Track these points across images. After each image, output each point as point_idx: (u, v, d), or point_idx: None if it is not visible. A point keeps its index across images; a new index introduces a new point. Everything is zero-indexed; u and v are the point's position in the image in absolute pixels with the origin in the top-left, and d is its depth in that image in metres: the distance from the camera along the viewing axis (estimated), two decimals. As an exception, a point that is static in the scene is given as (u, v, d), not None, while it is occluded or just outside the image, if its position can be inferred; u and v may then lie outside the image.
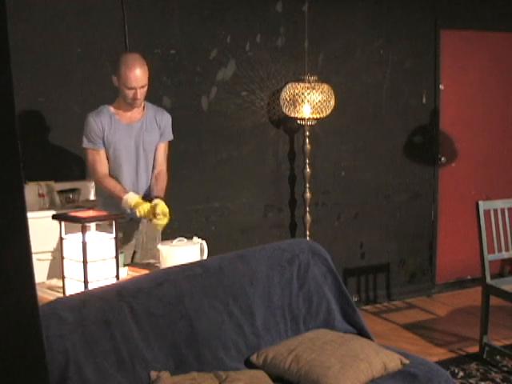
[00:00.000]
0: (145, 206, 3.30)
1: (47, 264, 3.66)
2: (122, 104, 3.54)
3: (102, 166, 3.50)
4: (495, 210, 4.28)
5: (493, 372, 3.99)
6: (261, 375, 2.54)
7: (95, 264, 2.70)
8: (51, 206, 4.07)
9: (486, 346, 4.16)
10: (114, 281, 2.76)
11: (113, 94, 4.31)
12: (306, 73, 4.84)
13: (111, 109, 3.55)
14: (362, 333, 3.04)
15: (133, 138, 3.53)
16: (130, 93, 3.45)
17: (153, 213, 3.28)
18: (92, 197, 4.23)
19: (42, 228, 3.53)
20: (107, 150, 3.49)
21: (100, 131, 3.47)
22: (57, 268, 3.54)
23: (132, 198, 3.35)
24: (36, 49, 4.08)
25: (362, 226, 5.35)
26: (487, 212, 4.21)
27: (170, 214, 3.33)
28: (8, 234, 1.04)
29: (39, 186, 4.03)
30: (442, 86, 5.59)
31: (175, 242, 3.12)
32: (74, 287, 2.72)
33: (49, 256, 3.67)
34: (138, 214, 3.31)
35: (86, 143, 3.51)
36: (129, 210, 3.36)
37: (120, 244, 3.08)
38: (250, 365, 2.68)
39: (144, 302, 2.49)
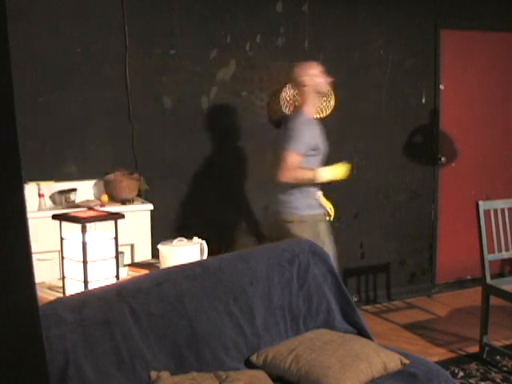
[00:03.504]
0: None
1: (47, 264, 3.65)
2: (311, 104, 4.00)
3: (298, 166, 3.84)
4: (495, 210, 4.28)
5: (493, 372, 3.99)
6: (261, 375, 2.54)
7: (95, 264, 2.70)
8: (51, 206, 4.07)
9: (486, 346, 4.16)
10: (114, 281, 2.76)
11: (112, 94, 4.33)
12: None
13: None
14: (362, 333, 3.05)
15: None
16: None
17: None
18: (92, 197, 4.24)
19: (42, 228, 3.53)
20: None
21: (312, 138, 3.87)
22: (57, 268, 3.55)
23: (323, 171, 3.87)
24: (36, 49, 4.08)
25: (361, 226, 5.35)
26: (487, 212, 4.21)
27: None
28: (8, 234, 1.04)
29: (39, 186, 4.03)
30: (441, 86, 5.59)
31: (175, 242, 3.12)
32: (74, 287, 2.72)
33: (49, 256, 3.67)
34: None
35: (297, 148, 3.79)
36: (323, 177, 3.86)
37: None
38: (250, 365, 2.68)
39: (144, 302, 2.49)
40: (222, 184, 4.76)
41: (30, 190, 3.94)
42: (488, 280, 4.10)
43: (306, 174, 3.85)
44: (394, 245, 5.52)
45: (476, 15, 5.65)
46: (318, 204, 3.95)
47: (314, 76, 3.97)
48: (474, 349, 4.27)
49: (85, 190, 4.23)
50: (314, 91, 3.98)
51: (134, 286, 2.55)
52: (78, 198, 4.13)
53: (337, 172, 3.92)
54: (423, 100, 5.51)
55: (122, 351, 2.34)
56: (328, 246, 3.86)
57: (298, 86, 4.01)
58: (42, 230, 3.54)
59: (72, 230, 2.75)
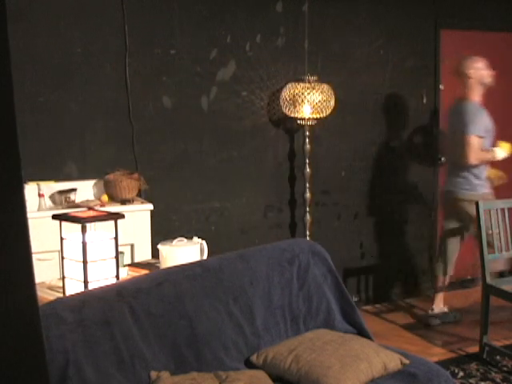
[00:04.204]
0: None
1: (47, 264, 3.65)
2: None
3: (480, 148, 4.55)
4: (495, 210, 4.29)
5: (493, 372, 3.99)
6: (261, 375, 2.54)
7: (95, 264, 2.70)
8: (51, 206, 4.07)
9: (486, 346, 4.16)
10: (114, 281, 2.76)
11: (112, 94, 4.33)
12: (305, 73, 4.84)
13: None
14: (361, 333, 3.05)
15: None
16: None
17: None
18: (92, 197, 4.24)
19: (42, 228, 3.53)
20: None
21: (486, 121, 4.56)
22: (57, 268, 3.55)
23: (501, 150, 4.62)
24: (36, 49, 4.08)
25: (361, 226, 5.35)
26: (487, 212, 4.21)
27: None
28: (8, 234, 1.04)
29: (39, 186, 4.03)
30: (441, 86, 5.58)
31: (175, 242, 3.12)
32: (74, 287, 2.72)
33: (49, 256, 3.67)
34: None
35: (476, 131, 4.46)
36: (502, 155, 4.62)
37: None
38: (250, 365, 2.68)
39: (144, 302, 2.49)
40: (221, 184, 4.76)
41: (30, 190, 3.94)
42: (488, 280, 4.10)
43: (488, 155, 4.56)
44: (394, 245, 5.52)
45: (476, 15, 5.65)
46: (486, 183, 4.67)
47: (480, 69, 4.59)
48: (474, 349, 4.27)
49: (85, 189, 4.23)
50: (478, 82, 4.61)
51: (134, 286, 2.55)
52: (78, 197, 4.13)
53: (508, 150, 4.61)
54: (423, 100, 5.51)
55: (122, 351, 2.34)
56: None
57: (465, 78, 4.61)
58: (42, 230, 3.53)
59: (72, 230, 2.75)
